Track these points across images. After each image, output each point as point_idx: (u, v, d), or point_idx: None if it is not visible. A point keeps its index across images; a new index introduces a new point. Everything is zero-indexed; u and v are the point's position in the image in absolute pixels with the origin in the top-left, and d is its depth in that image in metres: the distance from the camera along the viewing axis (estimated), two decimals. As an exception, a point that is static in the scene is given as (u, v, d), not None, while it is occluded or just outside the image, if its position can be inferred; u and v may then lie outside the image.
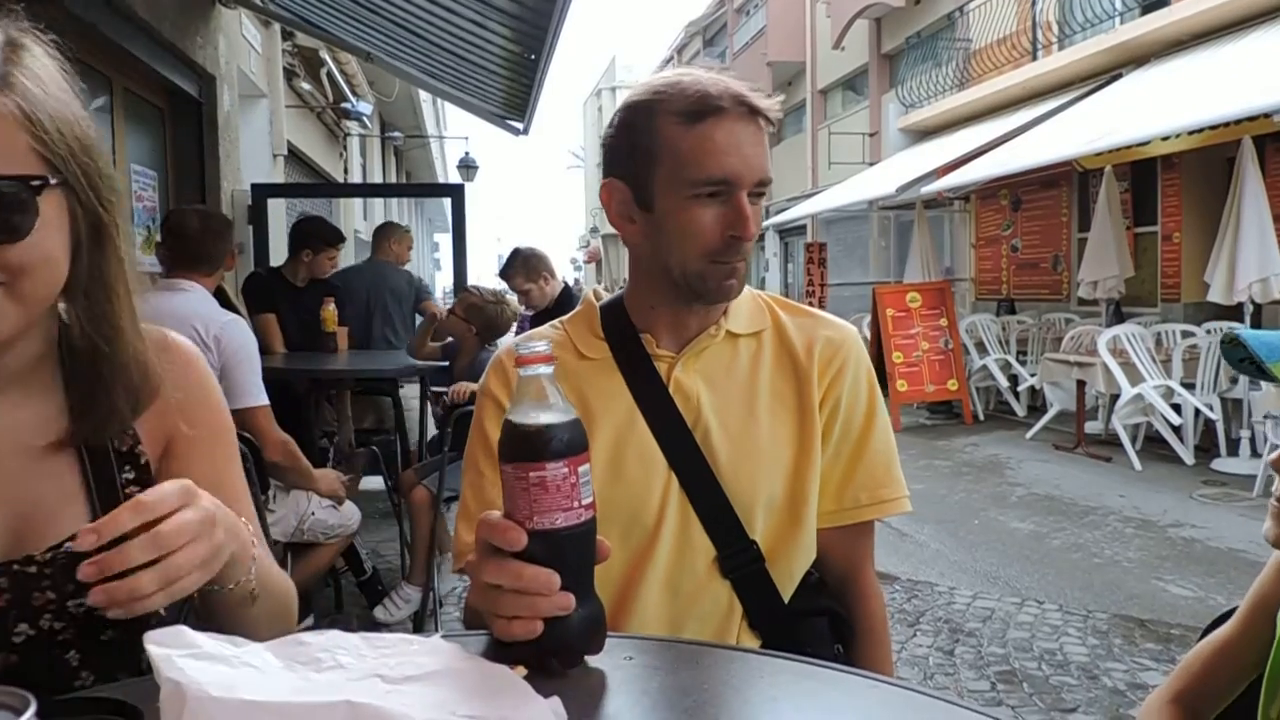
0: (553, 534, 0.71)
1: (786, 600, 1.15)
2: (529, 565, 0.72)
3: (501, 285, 5.81)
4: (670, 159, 1.05)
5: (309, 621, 3.34)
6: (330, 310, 4.16)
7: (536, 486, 0.70)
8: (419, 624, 3.30)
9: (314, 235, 4.30)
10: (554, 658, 0.74)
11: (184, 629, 0.64)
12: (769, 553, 1.13)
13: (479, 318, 3.67)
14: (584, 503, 0.72)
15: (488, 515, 0.75)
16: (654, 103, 1.07)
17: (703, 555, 1.11)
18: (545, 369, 0.72)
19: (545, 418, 0.71)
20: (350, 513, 2.91)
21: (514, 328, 4.25)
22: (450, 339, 3.87)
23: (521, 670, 0.68)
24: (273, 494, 2.70)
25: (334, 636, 0.69)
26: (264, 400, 2.57)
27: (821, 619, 1.18)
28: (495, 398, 1.15)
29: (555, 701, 0.64)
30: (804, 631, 1.12)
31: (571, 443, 0.71)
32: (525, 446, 0.70)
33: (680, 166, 1.05)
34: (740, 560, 1.11)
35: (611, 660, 0.81)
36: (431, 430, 4.39)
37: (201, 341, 2.51)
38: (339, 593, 3.74)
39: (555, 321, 1.23)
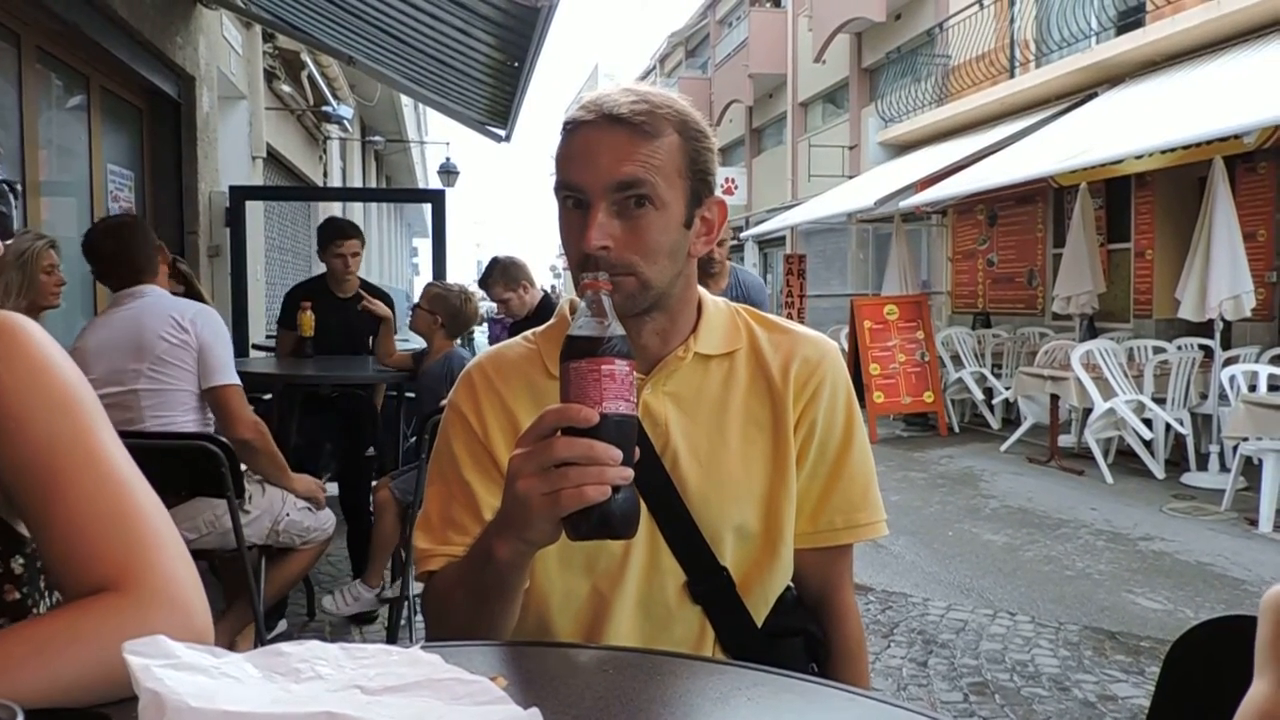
0: (618, 418, 0.83)
1: (760, 623, 1.13)
2: (597, 441, 0.81)
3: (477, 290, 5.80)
4: (556, 172, 1.07)
5: (282, 628, 3.32)
6: (307, 316, 4.11)
7: (607, 377, 0.82)
8: (393, 635, 3.28)
9: (320, 236, 4.20)
10: (607, 530, 0.84)
11: (162, 638, 0.64)
12: (741, 579, 1.11)
13: (443, 307, 3.66)
14: (635, 400, 0.85)
15: (551, 406, 0.84)
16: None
17: (672, 580, 1.09)
18: (605, 294, 0.87)
19: (614, 326, 0.84)
20: (325, 518, 2.91)
21: (487, 331, 4.23)
22: (421, 348, 3.85)
23: (502, 681, 0.68)
24: (249, 495, 2.69)
25: (313, 647, 0.69)
26: (236, 380, 2.65)
27: (796, 639, 1.16)
28: (462, 414, 1.13)
29: (534, 713, 0.64)
30: (778, 652, 1.10)
31: (630, 351, 0.85)
32: (599, 344, 0.83)
33: (557, 177, 1.07)
34: (710, 586, 1.10)
35: (591, 673, 0.82)
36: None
37: (180, 325, 2.59)
38: (311, 600, 3.71)
39: (528, 334, 1.19)
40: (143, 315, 2.60)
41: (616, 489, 0.82)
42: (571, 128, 1.04)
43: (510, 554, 0.91)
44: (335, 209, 13.52)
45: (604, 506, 0.82)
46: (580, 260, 1.02)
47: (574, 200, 1.03)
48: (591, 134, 1.02)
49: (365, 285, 4.23)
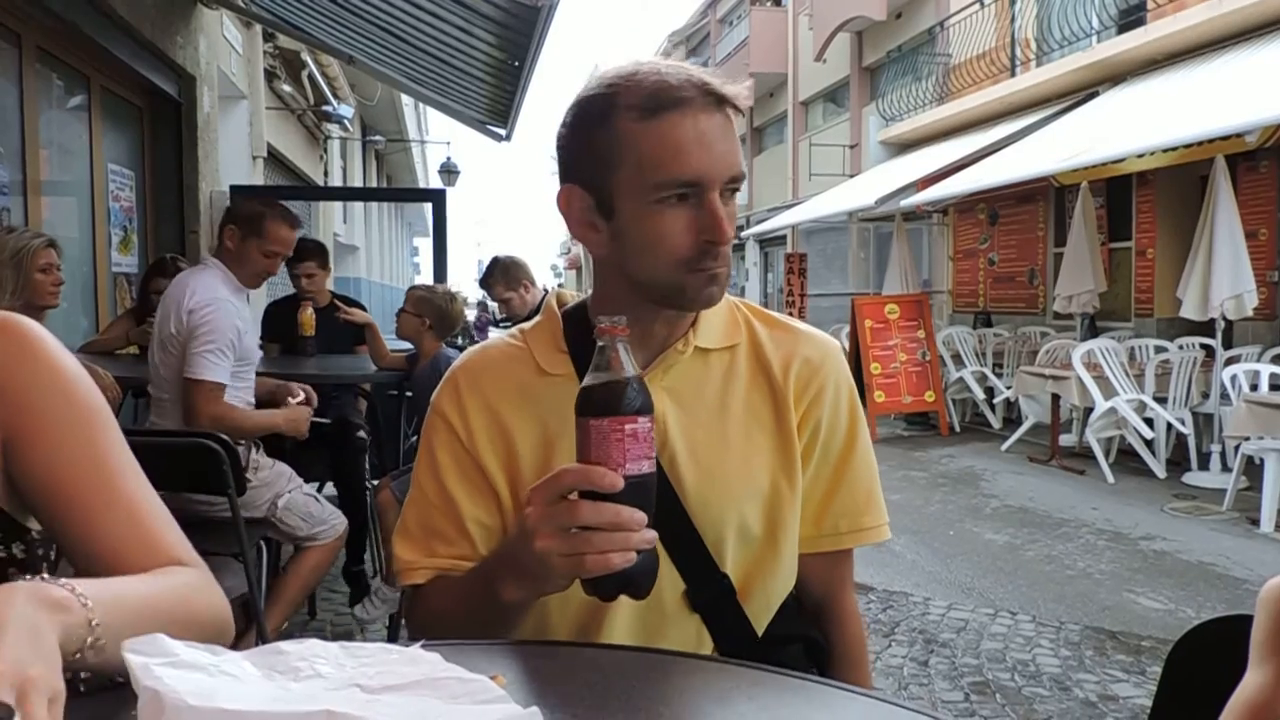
0: (641, 479, 0.80)
1: (760, 632, 1.09)
2: (622, 505, 0.79)
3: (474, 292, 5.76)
4: (630, 160, 0.95)
5: (282, 627, 3.32)
6: (309, 315, 4.15)
7: (630, 437, 0.79)
8: (393, 633, 3.27)
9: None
10: (628, 590, 0.83)
11: (162, 637, 0.64)
12: (742, 584, 1.07)
13: (430, 310, 3.66)
14: (654, 455, 0.82)
15: (570, 466, 0.81)
16: (610, 96, 0.96)
17: (670, 589, 1.04)
18: (623, 340, 0.82)
19: (633, 376, 0.80)
20: (333, 513, 2.93)
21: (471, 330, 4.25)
22: (410, 349, 3.85)
23: (502, 680, 0.68)
24: (255, 464, 2.75)
25: (313, 645, 0.69)
26: (208, 377, 2.63)
27: (795, 645, 1.13)
28: (446, 418, 1.08)
29: (534, 712, 0.64)
30: (778, 659, 1.04)
31: (650, 402, 0.81)
32: (620, 399, 0.79)
33: (642, 168, 0.94)
34: (710, 594, 1.05)
35: (591, 672, 0.81)
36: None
37: (182, 308, 2.66)
38: (312, 598, 3.71)
39: (515, 330, 1.13)
40: (174, 288, 2.75)
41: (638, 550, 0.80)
42: (673, 106, 0.94)
43: (517, 597, 0.90)
44: (336, 208, 13.54)
45: (626, 570, 0.80)
46: (696, 253, 0.97)
47: (682, 193, 0.96)
48: (701, 117, 0.95)
49: (337, 297, 4.38)
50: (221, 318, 2.68)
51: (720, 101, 0.96)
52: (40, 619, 0.62)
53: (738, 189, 1.00)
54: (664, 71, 0.96)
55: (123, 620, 0.70)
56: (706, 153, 0.94)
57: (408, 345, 3.89)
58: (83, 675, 0.83)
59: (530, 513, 0.83)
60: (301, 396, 2.99)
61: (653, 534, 0.80)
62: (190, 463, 2.43)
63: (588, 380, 0.81)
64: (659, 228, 0.96)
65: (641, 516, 0.80)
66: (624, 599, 1.05)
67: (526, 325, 1.14)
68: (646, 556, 0.82)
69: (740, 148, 1.01)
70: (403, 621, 3.20)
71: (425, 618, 1.06)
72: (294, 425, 2.91)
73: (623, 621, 1.05)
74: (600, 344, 0.82)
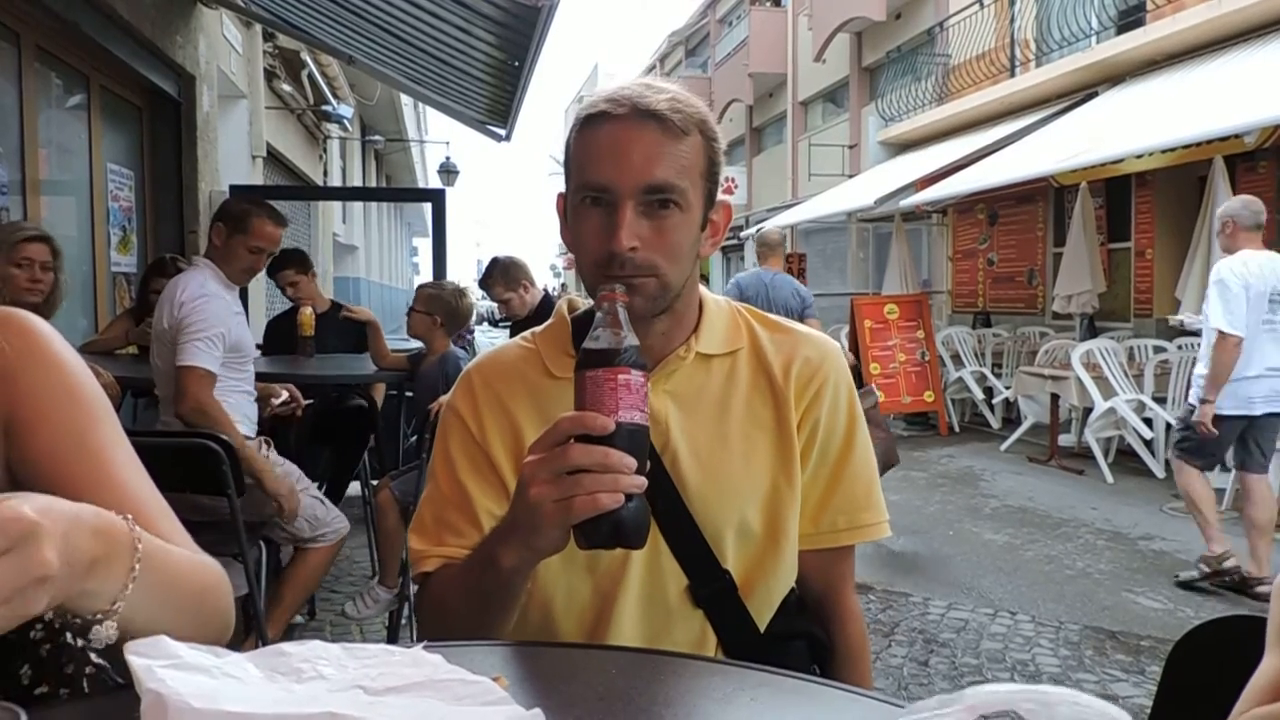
0: (631, 427, 0.83)
1: (763, 627, 1.12)
2: (612, 450, 0.81)
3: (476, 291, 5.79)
4: (571, 167, 1.05)
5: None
6: (307, 314, 4.15)
7: (623, 387, 0.83)
8: (394, 634, 3.27)
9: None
10: (618, 539, 0.84)
11: (165, 639, 0.64)
12: (744, 581, 1.10)
13: (440, 307, 3.66)
14: (646, 410, 0.86)
15: (567, 414, 0.84)
16: (578, 114, 1.06)
17: (674, 584, 1.08)
18: (622, 305, 0.87)
19: (629, 338, 0.85)
20: (337, 516, 2.94)
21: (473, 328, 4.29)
22: (417, 349, 3.85)
23: (504, 682, 0.68)
24: (267, 460, 2.76)
25: (315, 647, 0.69)
26: (197, 363, 2.67)
27: (798, 642, 1.16)
28: (460, 415, 1.12)
29: (537, 713, 0.64)
30: (780, 656, 1.07)
31: (642, 361, 0.86)
32: (615, 355, 0.84)
33: (573, 174, 1.04)
34: (712, 590, 1.08)
35: (594, 673, 0.81)
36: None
37: (174, 302, 2.73)
38: (313, 599, 3.70)
39: (527, 334, 1.19)
40: (168, 289, 2.80)
41: (629, 498, 0.82)
42: (597, 120, 1.01)
43: (515, 561, 0.91)
44: (335, 208, 13.54)
45: (615, 515, 0.82)
46: (604, 259, 1.00)
47: (594, 198, 1.01)
48: (621, 129, 0.99)
49: (336, 303, 4.48)
50: (210, 310, 2.73)
51: (649, 115, 0.99)
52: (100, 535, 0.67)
53: (667, 200, 1.00)
54: (611, 89, 1.03)
55: (159, 581, 0.74)
56: (617, 161, 0.99)
57: (414, 344, 3.90)
58: (87, 671, 0.84)
59: (527, 462, 0.86)
60: (285, 396, 3.00)
61: (642, 480, 0.82)
62: (191, 463, 2.44)
63: (587, 341, 0.85)
64: (579, 229, 1.03)
65: (631, 461, 0.82)
66: (630, 598, 1.07)
67: (539, 329, 1.18)
68: (637, 506, 0.83)
69: (677, 158, 1.00)
70: (403, 622, 3.22)
71: (430, 603, 1.09)
72: (275, 490, 2.73)
73: (629, 618, 1.08)
74: (600, 311, 0.87)
